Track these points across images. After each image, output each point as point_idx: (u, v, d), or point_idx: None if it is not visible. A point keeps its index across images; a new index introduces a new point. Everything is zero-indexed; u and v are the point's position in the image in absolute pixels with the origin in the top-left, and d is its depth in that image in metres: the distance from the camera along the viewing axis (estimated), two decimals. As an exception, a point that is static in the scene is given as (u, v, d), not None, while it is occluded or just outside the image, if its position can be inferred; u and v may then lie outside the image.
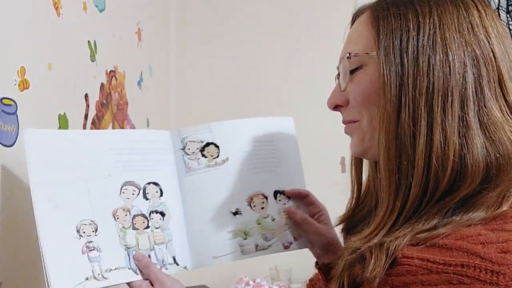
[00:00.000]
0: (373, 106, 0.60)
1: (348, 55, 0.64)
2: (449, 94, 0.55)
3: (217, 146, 0.86)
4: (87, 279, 0.71)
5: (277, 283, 1.53)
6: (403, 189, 0.56)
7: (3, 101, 0.77)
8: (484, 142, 0.55)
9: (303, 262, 1.49)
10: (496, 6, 1.73)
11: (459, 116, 0.55)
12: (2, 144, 0.76)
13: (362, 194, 0.73)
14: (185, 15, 2.00)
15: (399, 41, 0.58)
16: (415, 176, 0.55)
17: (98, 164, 0.76)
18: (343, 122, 0.68)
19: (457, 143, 0.54)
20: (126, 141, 0.80)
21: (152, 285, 0.72)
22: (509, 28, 1.76)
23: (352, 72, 0.63)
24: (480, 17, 0.59)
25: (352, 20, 0.69)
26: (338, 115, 0.69)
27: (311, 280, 1.64)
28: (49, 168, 0.72)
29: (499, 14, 1.72)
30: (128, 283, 0.73)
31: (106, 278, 0.72)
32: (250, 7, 1.98)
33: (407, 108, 0.56)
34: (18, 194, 0.81)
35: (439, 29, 0.57)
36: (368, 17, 0.63)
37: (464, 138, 0.55)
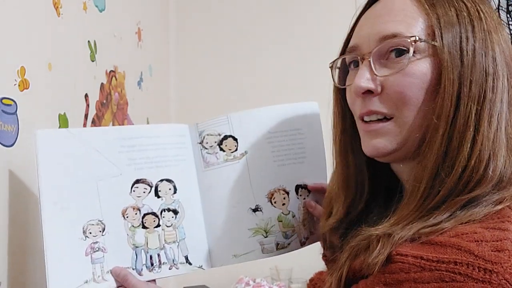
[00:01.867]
0: (418, 104, 0.57)
1: (391, 39, 0.57)
2: (495, 106, 0.54)
3: (235, 139, 0.81)
4: (86, 282, 0.70)
5: (277, 283, 1.53)
6: (434, 191, 0.55)
7: (3, 101, 0.77)
8: (507, 156, 0.55)
9: (303, 262, 1.49)
10: (496, 6, 1.73)
11: (496, 128, 0.54)
12: (2, 144, 0.76)
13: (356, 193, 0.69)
14: (185, 15, 2.00)
15: (459, 38, 0.55)
16: (449, 181, 0.54)
17: (110, 163, 0.75)
18: (369, 112, 0.60)
19: (487, 154, 0.54)
20: (140, 138, 0.78)
21: None
22: (509, 28, 1.76)
23: (395, 56, 0.57)
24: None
25: None
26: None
27: (311, 280, 1.64)
28: (59, 169, 0.72)
29: (499, 15, 1.72)
30: None
31: (106, 280, 0.72)
32: (250, 7, 1.98)
33: (462, 113, 0.54)
34: (19, 194, 0.81)
35: (489, 35, 0.56)
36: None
37: (493, 150, 0.54)
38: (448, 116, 0.54)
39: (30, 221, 0.83)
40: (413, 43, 0.56)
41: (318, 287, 1.63)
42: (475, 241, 0.48)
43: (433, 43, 0.56)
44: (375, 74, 0.58)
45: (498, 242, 0.48)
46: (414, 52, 0.56)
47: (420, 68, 0.56)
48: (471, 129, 0.54)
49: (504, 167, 0.54)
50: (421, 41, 0.56)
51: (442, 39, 0.55)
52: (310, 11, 1.93)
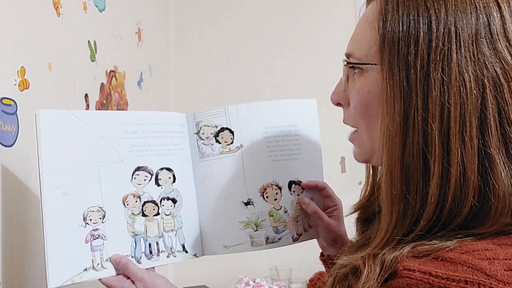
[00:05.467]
0: (371, 118, 0.57)
1: (347, 58, 0.59)
2: (468, 123, 0.48)
3: (231, 132, 0.82)
4: (85, 269, 0.70)
5: (277, 283, 1.53)
6: (409, 221, 0.51)
7: (3, 101, 0.77)
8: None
9: (303, 262, 1.49)
10: None
11: (478, 148, 0.48)
12: (2, 144, 0.76)
13: (377, 181, 0.69)
14: (185, 15, 2.00)
15: (406, 53, 0.51)
16: (426, 211, 0.50)
17: (112, 148, 0.74)
18: (343, 122, 0.64)
19: (476, 181, 0.48)
20: (142, 124, 0.78)
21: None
22: None
23: (353, 73, 0.59)
24: (501, 18, 0.50)
25: (366, 3, 0.61)
26: (337, 116, 0.68)
27: (311, 280, 1.65)
28: (61, 151, 0.70)
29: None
30: (107, 283, 0.72)
31: (105, 268, 0.72)
32: (250, 7, 1.98)
33: (416, 132, 0.50)
34: (18, 194, 0.81)
35: (454, 42, 0.49)
36: (375, 16, 0.55)
37: (485, 175, 0.48)
38: (392, 135, 0.51)
39: (29, 221, 0.83)
40: (353, 61, 0.57)
41: (318, 287, 1.63)
42: (487, 259, 0.45)
43: (371, 64, 0.55)
44: (343, 90, 0.61)
45: (511, 260, 0.45)
46: (362, 71, 0.57)
47: (366, 88, 0.56)
48: (436, 152, 0.49)
49: None
50: (356, 61, 0.57)
51: (381, 57, 0.53)
52: (309, 9, 1.93)
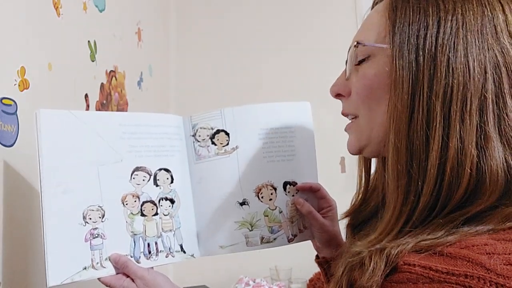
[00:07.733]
0: (374, 102, 0.59)
1: (356, 43, 0.61)
2: (468, 102, 0.52)
3: (227, 134, 0.84)
4: (85, 268, 0.71)
5: (277, 283, 1.53)
6: (412, 195, 0.53)
7: (3, 101, 0.77)
8: (505, 155, 0.52)
9: (303, 262, 1.49)
10: None
11: (477, 125, 0.52)
12: (2, 144, 0.76)
13: (369, 187, 0.70)
14: (185, 15, 2.01)
15: (415, 37, 0.55)
16: (426, 183, 0.53)
17: (111, 148, 0.75)
18: (342, 113, 0.66)
19: (474, 155, 0.51)
20: (140, 125, 0.79)
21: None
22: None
23: (359, 62, 0.61)
24: (506, 21, 0.55)
25: (372, 5, 0.65)
26: (337, 117, 0.69)
27: (311, 280, 1.65)
28: (60, 151, 0.71)
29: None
30: (107, 281, 0.72)
31: (105, 267, 0.72)
32: (250, 7, 1.98)
33: (420, 109, 0.53)
34: (19, 194, 0.81)
35: (462, 29, 0.54)
36: (386, 6, 0.59)
37: (482, 150, 0.52)
38: (399, 113, 0.54)
39: (30, 221, 0.83)
40: (363, 47, 0.60)
41: (318, 287, 1.63)
42: (487, 254, 0.46)
43: (381, 45, 0.58)
44: (346, 79, 0.63)
45: (510, 255, 0.46)
46: (368, 56, 0.60)
47: (373, 71, 0.59)
48: (437, 128, 0.53)
49: (509, 170, 0.51)
50: (365, 45, 0.60)
51: (392, 40, 0.56)
52: (308, 11, 1.93)
